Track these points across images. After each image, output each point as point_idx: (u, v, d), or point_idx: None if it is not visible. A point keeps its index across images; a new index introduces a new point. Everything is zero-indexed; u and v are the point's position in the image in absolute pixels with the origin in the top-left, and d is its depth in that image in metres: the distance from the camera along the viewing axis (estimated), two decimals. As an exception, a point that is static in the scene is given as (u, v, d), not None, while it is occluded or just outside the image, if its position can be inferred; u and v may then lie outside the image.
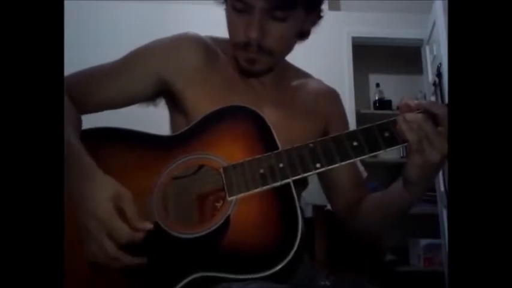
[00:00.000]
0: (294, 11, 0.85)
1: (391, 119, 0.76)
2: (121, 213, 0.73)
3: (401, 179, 0.80)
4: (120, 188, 0.74)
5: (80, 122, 0.91)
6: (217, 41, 0.98)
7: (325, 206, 1.91)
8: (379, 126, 0.76)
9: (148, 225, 0.74)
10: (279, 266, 0.67)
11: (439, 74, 2.84)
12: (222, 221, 0.74)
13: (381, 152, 0.76)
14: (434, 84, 2.96)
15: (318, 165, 0.75)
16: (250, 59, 0.89)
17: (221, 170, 0.78)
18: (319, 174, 0.83)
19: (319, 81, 1.05)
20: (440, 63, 2.78)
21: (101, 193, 0.73)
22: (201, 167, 0.82)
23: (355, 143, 0.75)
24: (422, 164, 0.73)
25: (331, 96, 1.04)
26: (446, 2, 2.40)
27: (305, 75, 1.05)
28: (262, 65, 0.91)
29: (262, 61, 0.90)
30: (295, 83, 1.01)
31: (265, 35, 0.85)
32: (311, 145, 0.77)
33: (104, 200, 0.72)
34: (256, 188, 0.75)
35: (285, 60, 1.00)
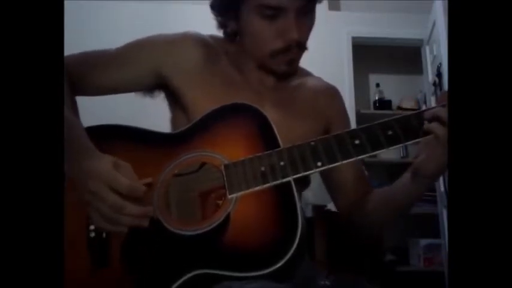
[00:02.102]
0: None
1: (415, 112, 0.76)
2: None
3: (410, 173, 0.79)
4: (118, 160, 0.76)
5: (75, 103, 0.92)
6: (218, 40, 0.98)
7: (325, 206, 1.91)
8: (382, 124, 0.76)
9: (148, 180, 0.77)
10: (279, 264, 0.67)
11: (439, 74, 2.84)
12: (222, 219, 0.74)
13: (383, 150, 0.76)
14: (434, 84, 2.96)
15: (319, 163, 0.75)
16: (291, 60, 0.89)
17: (222, 167, 0.79)
18: (321, 172, 0.83)
19: (319, 78, 1.05)
20: (440, 63, 2.78)
21: (101, 163, 0.74)
22: (202, 164, 0.82)
23: (357, 141, 0.75)
24: (443, 159, 0.73)
25: (331, 93, 1.03)
26: (446, 2, 2.40)
27: (305, 73, 1.04)
28: (297, 62, 0.92)
29: (299, 58, 0.91)
30: (295, 82, 1.00)
31: (302, 32, 0.86)
32: (312, 143, 0.77)
33: (104, 165, 0.73)
34: (257, 185, 0.75)
35: None
